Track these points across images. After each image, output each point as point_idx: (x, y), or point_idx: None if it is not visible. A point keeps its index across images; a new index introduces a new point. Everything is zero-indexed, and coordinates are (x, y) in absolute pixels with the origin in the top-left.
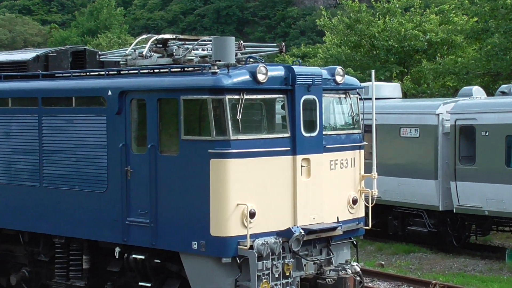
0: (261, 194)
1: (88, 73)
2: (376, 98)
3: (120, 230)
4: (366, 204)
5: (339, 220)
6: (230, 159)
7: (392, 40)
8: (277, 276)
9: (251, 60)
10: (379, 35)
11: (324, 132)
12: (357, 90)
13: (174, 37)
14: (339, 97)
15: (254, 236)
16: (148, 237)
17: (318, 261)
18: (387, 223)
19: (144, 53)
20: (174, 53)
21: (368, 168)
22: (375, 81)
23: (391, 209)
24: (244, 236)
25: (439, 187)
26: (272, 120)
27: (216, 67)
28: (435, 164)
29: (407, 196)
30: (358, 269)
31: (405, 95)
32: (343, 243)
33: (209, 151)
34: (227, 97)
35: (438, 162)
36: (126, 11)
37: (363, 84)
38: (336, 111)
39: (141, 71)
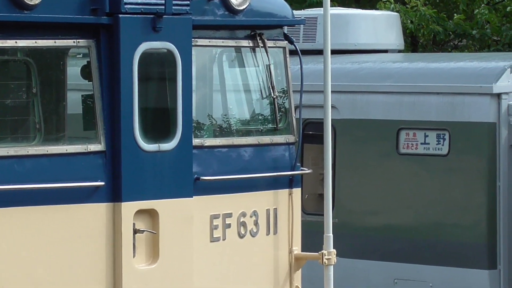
0: None
1: None
2: (334, 51)
3: None
4: None
5: None
6: None
7: None
8: None
9: None
10: None
11: (197, 141)
12: (284, 27)
13: None
14: (238, 47)
15: None
16: None
17: None
18: None
19: None
20: None
21: (312, 237)
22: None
23: None
24: None
25: (500, 285)
26: (56, 106)
27: None
28: (491, 227)
29: None
30: None
31: (414, 43)
32: None
33: None
34: None
35: (499, 220)
36: None
37: (299, 13)
38: (230, 83)
39: None
